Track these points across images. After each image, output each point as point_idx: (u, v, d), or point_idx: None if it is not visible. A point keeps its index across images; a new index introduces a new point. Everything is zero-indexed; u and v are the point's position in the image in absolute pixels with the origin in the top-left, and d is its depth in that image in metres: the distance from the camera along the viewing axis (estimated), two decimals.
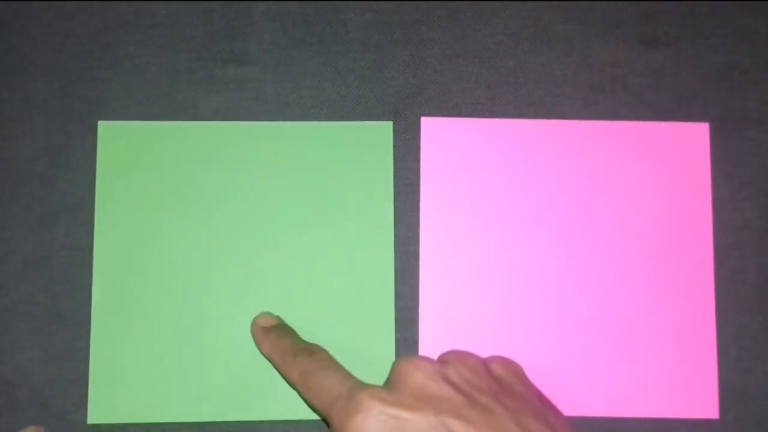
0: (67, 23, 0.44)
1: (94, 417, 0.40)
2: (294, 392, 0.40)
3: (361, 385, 0.35)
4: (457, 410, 0.34)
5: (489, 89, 0.44)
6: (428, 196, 0.42)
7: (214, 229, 0.42)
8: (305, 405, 0.40)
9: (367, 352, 0.41)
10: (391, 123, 0.43)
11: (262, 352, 0.40)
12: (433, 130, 0.43)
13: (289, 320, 0.41)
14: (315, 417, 0.40)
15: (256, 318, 0.41)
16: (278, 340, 0.40)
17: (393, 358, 0.41)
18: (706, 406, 0.41)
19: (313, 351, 0.38)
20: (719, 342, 0.41)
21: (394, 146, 0.43)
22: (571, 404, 0.41)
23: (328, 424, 0.35)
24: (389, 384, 0.35)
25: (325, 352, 0.38)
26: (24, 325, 0.42)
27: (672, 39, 0.44)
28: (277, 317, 0.41)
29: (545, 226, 0.42)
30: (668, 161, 0.43)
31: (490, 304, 0.41)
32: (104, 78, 0.43)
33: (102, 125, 0.42)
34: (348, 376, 0.36)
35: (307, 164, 0.42)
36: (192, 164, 0.42)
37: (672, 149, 0.43)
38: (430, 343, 0.41)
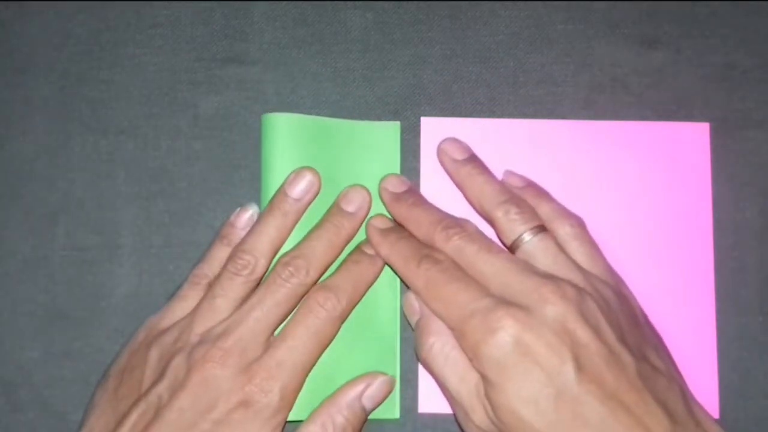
0: (67, 23, 0.44)
1: None
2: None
3: (497, 303, 0.35)
4: (591, 360, 0.34)
5: (489, 89, 0.44)
6: (428, 196, 0.42)
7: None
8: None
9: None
10: (398, 123, 0.43)
11: (379, 255, 0.40)
12: (433, 130, 0.43)
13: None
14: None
15: (370, 219, 0.40)
16: (398, 242, 0.39)
17: (397, 358, 0.41)
18: (706, 406, 0.40)
19: (437, 259, 0.37)
20: (719, 342, 0.41)
21: (401, 145, 0.43)
22: None
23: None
24: (528, 298, 0.35)
25: (449, 259, 0.37)
26: (24, 325, 0.42)
27: (672, 39, 0.44)
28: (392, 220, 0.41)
29: None
30: (668, 161, 0.42)
31: None
32: (104, 78, 0.43)
33: None
34: (480, 289, 0.36)
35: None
36: None
37: (672, 149, 0.43)
38: None
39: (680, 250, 0.42)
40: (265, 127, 0.41)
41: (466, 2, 0.44)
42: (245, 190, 0.43)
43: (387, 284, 0.41)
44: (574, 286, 0.35)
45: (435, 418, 0.41)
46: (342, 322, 0.38)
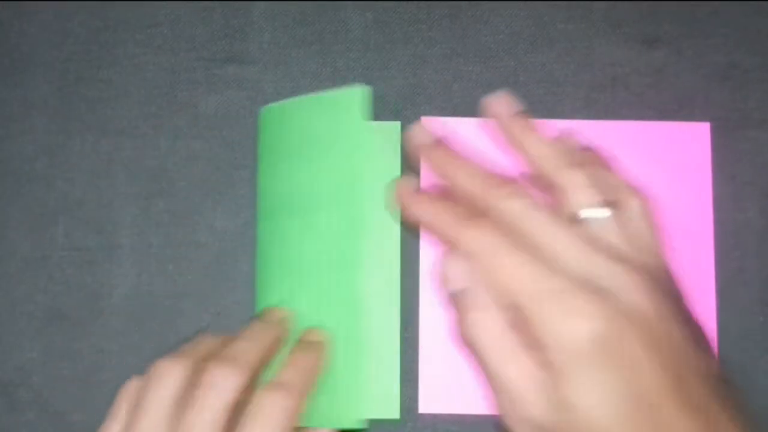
0: (67, 23, 0.44)
1: None
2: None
3: (577, 286, 0.30)
4: (682, 366, 0.30)
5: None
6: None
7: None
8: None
9: (371, 351, 0.40)
10: (398, 123, 0.43)
11: (416, 217, 0.35)
12: (434, 129, 0.43)
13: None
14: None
15: (397, 184, 0.37)
16: (439, 202, 0.35)
17: (398, 356, 0.41)
18: None
19: (498, 220, 0.32)
20: (720, 342, 0.41)
21: (402, 145, 0.42)
22: None
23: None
24: (611, 284, 0.30)
25: (508, 223, 0.32)
26: (24, 325, 0.42)
27: (673, 38, 0.44)
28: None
29: None
30: (669, 161, 0.42)
31: None
32: (104, 78, 0.43)
33: None
34: (551, 264, 0.31)
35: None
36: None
37: (673, 149, 0.43)
38: (430, 343, 0.41)
39: (681, 250, 0.42)
40: (263, 121, 0.41)
41: (466, 2, 0.44)
42: (245, 190, 0.43)
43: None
44: (657, 276, 0.32)
45: (435, 419, 0.41)
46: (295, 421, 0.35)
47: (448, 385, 0.41)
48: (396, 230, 0.42)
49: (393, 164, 0.42)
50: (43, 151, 0.43)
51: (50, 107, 0.43)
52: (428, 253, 0.42)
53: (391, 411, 0.40)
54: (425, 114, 0.43)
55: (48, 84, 0.43)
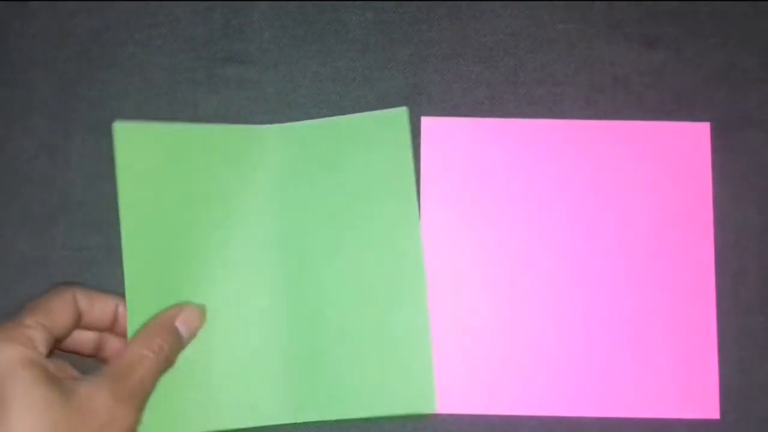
0: (67, 23, 0.44)
1: None
2: (312, 392, 0.40)
3: None
4: None
5: (489, 89, 0.43)
6: (429, 196, 0.42)
7: (240, 233, 0.41)
8: (317, 406, 0.40)
9: (404, 343, 0.40)
10: (405, 108, 0.42)
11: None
12: (434, 129, 0.43)
13: (318, 318, 0.41)
14: (330, 417, 0.40)
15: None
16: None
17: (430, 351, 0.40)
18: (707, 406, 0.41)
19: None
20: (720, 342, 0.41)
21: (411, 130, 0.42)
22: (571, 404, 0.41)
23: None
24: None
25: None
26: None
27: (673, 38, 0.44)
28: None
29: (545, 226, 0.42)
30: (669, 161, 0.42)
31: (491, 303, 0.41)
32: (104, 78, 0.43)
33: (118, 127, 0.41)
34: None
35: (326, 161, 0.42)
36: (209, 168, 0.42)
37: (673, 149, 0.43)
38: (433, 341, 0.41)
39: (681, 250, 0.42)
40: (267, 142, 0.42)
41: (466, 2, 0.44)
42: None
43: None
44: None
45: (435, 419, 0.41)
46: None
47: (448, 386, 0.41)
48: (416, 221, 0.41)
49: (403, 153, 0.42)
50: (44, 151, 0.43)
51: (50, 107, 0.43)
52: (429, 251, 0.42)
53: (428, 405, 0.40)
54: (425, 114, 0.43)
55: (48, 84, 0.43)
